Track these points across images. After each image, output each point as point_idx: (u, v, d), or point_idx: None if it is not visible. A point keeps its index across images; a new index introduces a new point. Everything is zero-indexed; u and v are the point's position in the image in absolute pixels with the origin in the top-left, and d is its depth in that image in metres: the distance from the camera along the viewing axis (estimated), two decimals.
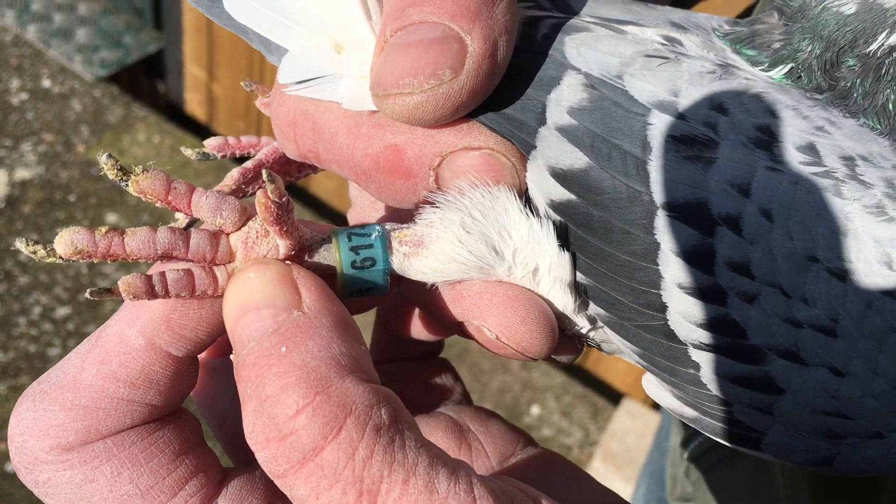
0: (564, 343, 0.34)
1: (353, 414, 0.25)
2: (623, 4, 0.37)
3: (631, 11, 0.36)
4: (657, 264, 0.31)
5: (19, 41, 2.73)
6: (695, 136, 0.31)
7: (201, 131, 2.81)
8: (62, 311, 2.16)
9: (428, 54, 0.29)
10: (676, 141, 0.31)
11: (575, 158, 0.31)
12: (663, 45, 0.34)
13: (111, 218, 2.36)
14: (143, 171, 0.28)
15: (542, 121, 0.32)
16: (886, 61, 0.34)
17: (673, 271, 0.31)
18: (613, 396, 2.27)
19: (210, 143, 0.38)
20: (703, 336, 0.31)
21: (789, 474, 0.52)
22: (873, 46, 0.34)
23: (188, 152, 0.39)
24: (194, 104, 2.85)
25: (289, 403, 0.25)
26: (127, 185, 0.28)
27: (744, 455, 0.59)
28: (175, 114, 2.89)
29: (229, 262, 0.29)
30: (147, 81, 3.01)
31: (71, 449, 0.27)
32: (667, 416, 0.75)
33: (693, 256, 0.31)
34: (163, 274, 0.28)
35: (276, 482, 0.26)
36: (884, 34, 0.34)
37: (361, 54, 0.32)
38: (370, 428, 0.24)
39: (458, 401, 0.39)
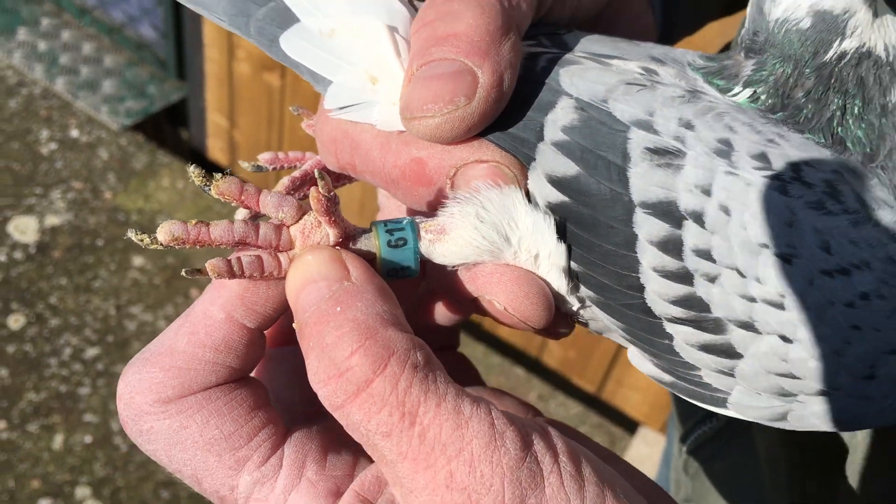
0: (559, 319, 0.40)
1: (395, 354, 0.31)
2: (611, 42, 0.43)
3: (617, 48, 0.43)
4: (636, 252, 0.37)
5: (48, 93, 2.84)
6: (666, 147, 0.37)
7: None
8: (91, 352, 2.23)
9: (447, 85, 0.36)
10: (651, 152, 0.37)
11: (568, 168, 0.38)
12: (642, 74, 0.40)
13: (138, 261, 2.44)
14: (221, 177, 0.35)
15: (541, 138, 0.38)
16: (837, 68, 0.39)
17: (649, 257, 0.37)
18: (629, 425, 2.31)
19: (263, 157, 0.45)
20: (675, 311, 0.38)
21: (769, 455, 0.57)
22: (829, 55, 0.39)
23: (244, 164, 0.45)
24: (216, 150, 2.93)
25: (344, 347, 0.31)
26: (209, 189, 0.35)
27: (734, 446, 0.64)
28: (198, 160, 2.94)
29: (290, 248, 0.36)
30: (171, 129, 3.09)
31: (169, 402, 0.34)
32: (672, 426, 0.80)
33: (665, 245, 0.37)
34: (239, 258, 0.35)
35: (335, 414, 0.32)
36: (837, 41, 0.39)
37: (392, 85, 0.39)
38: (409, 365, 0.31)
39: (474, 384, 0.46)
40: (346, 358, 0.31)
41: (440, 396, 0.31)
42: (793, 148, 0.38)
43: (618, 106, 0.38)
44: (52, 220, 2.50)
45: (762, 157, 0.37)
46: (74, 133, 2.75)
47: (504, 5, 0.38)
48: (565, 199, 0.38)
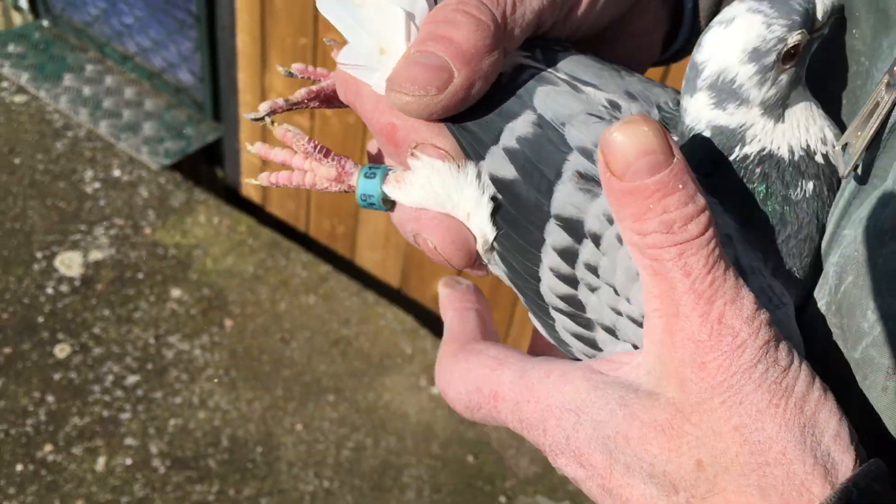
0: (478, 267, 0.48)
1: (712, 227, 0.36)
2: (597, 68, 0.46)
3: (599, 76, 0.46)
4: (541, 252, 0.43)
5: (92, 136, 2.93)
6: (593, 175, 0.41)
7: (255, 211, 2.94)
8: (132, 379, 2.29)
9: (425, 74, 0.41)
10: (580, 176, 0.42)
11: (508, 172, 0.43)
12: (605, 108, 0.44)
13: (175, 293, 2.50)
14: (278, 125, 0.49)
15: (496, 141, 0.43)
16: (741, 167, 0.43)
17: (549, 259, 0.43)
18: None
19: (296, 66, 0.52)
20: (559, 304, 0.44)
21: None
22: (731, 158, 0.43)
23: (280, 68, 0.53)
24: (249, 188, 2.99)
25: (684, 214, 0.36)
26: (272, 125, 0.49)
27: None
28: (232, 197, 3.02)
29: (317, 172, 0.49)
30: (207, 168, 3.15)
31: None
32: None
33: (564, 253, 0.42)
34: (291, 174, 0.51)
35: (663, 250, 0.36)
36: (738, 147, 0.43)
37: (394, 60, 0.44)
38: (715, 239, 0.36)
39: None
40: (683, 222, 0.36)
41: (727, 271, 0.36)
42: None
43: (572, 131, 0.43)
44: (95, 255, 2.57)
45: None
46: (116, 173, 2.82)
47: (497, 28, 0.43)
48: (499, 196, 0.44)
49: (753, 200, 0.43)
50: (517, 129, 0.43)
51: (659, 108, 0.45)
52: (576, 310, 0.43)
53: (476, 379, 0.44)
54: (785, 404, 0.36)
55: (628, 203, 0.36)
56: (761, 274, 0.41)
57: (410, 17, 0.44)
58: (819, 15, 0.42)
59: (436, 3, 0.44)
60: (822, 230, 0.44)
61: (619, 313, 0.41)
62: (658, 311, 0.37)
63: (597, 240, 0.41)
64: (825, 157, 0.44)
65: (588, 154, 0.42)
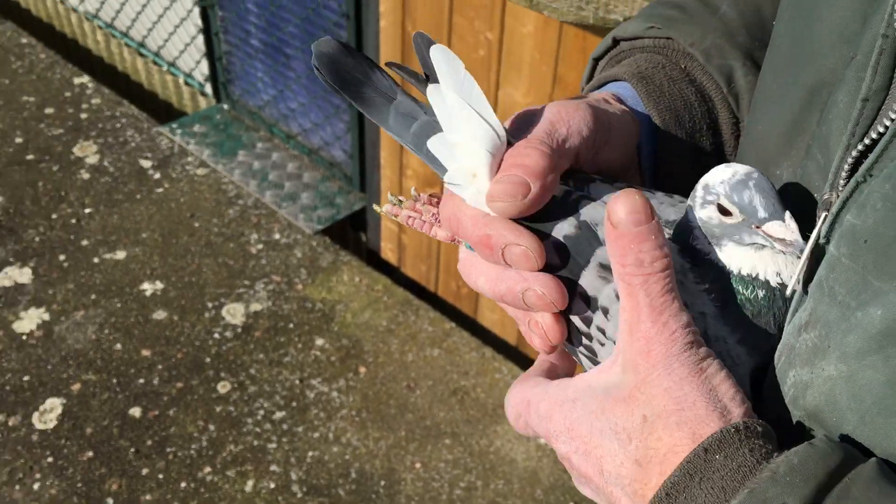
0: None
1: (669, 268, 0.46)
2: (616, 188, 0.56)
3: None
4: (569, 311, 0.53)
5: (259, 203, 3.14)
6: (609, 265, 0.50)
7: (392, 272, 3.07)
8: (279, 415, 2.45)
9: (512, 188, 0.52)
10: (601, 266, 0.52)
11: (554, 260, 0.52)
12: None
13: (319, 342, 2.64)
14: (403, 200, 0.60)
15: (548, 236, 0.53)
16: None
17: (575, 320, 0.53)
18: None
19: (403, 216, 0.63)
20: (583, 349, 0.54)
21: None
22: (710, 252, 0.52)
23: (390, 196, 0.63)
24: (388, 251, 3.14)
25: (652, 255, 0.46)
26: (398, 205, 0.60)
27: None
28: (372, 259, 3.16)
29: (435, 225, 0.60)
30: (352, 233, 3.32)
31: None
32: None
33: (584, 319, 0.53)
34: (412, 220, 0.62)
35: (636, 276, 0.46)
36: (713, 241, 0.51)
37: (482, 182, 0.53)
38: (668, 274, 0.46)
39: None
40: (651, 261, 0.46)
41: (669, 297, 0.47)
42: (692, 295, 0.51)
43: (601, 230, 0.52)
44: (255, 307, 2.73)
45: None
46: (277, 236, 2.99)
47: (553, 159, 0.53)
48: (558, 263, 0.53)
49: (730, 290, 0.51)
50: (564, 229, 0.54)
51: (666, 222, 0.56)
52: (592, 354, 0.55)
53: (519, 393, 0.55)
54: (698, 377, 0.46)
55: (617, 244, 0.47)
56: (724, 341, 0.51)
57: (492, 154, 0.54)
58: (759, 213, 0.49)
59: (510, 143, 0.54)
60: (778, 319, 0.51)
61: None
62: (626, 320, 0.48)
63: (605, 312, 0.52)
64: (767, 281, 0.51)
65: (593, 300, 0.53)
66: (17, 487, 2.25)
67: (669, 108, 0.63)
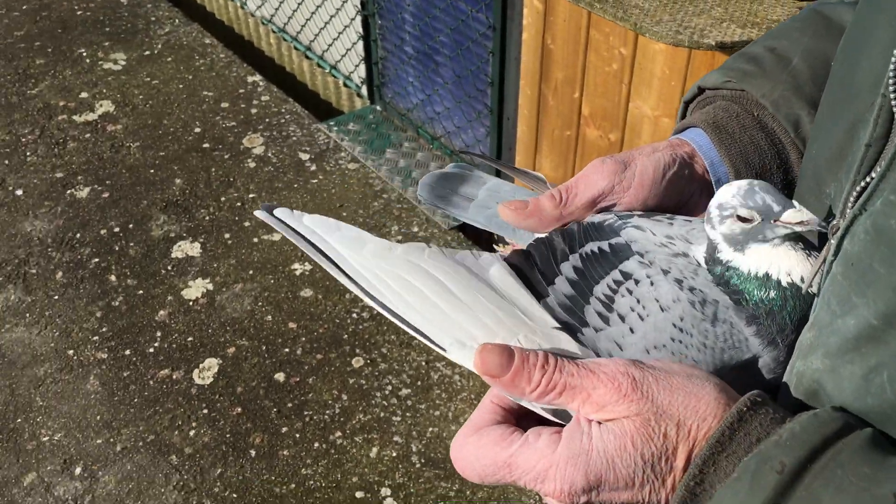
0: None
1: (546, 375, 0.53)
2: (653, 220, 0.62)
3: (653, 226, 0.62)
4: (583, 313, 0.59)
5: (401, 198, 3.24)
6: (632, 276, 0.58)
7: None
8: (405, 391, 2.53)
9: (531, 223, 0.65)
10: (622, 273, 0.58)
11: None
12: (668, 240, 0.61)
13: None
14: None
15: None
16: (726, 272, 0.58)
17: (591, 315, 0.59)
18: None
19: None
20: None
21: None
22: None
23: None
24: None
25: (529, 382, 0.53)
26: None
27: None
28: None
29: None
30: (485, 230, 3.23)
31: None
32: None
33: (600, 315, 0.59)
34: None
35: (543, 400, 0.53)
36: (720, 254, 0.58)
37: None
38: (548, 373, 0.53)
39: None
40: (529, 391, 0.53)
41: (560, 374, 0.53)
42: (707, 287, 0.57)
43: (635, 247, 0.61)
44: None
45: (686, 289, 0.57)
46: (415, 229, 3.08)
47: (561, 216, 0.65)
48: (572, 321, 0.59)
49: (748, 291, 0.57)
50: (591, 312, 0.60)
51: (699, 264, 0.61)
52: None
53: (488, 454, 0.54)
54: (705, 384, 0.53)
55: (508, 389, 0.54)
56: (730, 324, 0.56)
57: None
58: (774, 210, 0.55)
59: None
60: (793, 317, 0.56)
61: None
62: (573, 406, 0.53)
63: (621, 317, 0.59)
64: (779, 282, 0.57)
65: (627, 275, 0.60)
66: (176, 433, 2.44)
67: (740, 153, 0.70)
